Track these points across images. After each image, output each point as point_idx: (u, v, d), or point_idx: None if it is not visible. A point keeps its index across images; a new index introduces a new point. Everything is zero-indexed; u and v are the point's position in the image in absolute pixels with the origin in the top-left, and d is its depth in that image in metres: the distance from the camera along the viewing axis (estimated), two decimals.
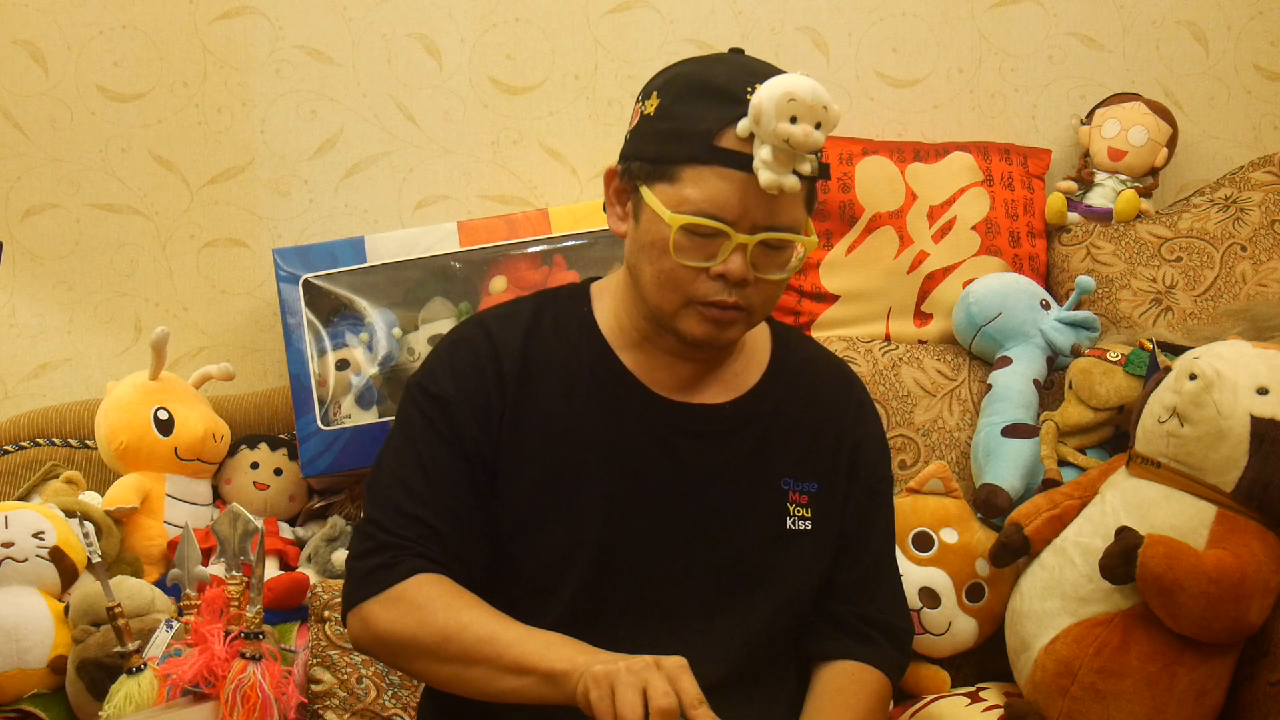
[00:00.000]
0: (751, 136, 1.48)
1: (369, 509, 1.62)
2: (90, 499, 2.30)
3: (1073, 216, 2.66)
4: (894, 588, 1.76)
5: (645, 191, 1.54)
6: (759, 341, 1.71)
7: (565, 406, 1.61)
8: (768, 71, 1.51)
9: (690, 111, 1.51)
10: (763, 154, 1.47)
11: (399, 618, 1.53)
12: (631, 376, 1.63)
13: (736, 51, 1.60)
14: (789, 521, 1.63)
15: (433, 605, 1.51)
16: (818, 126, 1.47)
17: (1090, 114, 2.71)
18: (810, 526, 1.64)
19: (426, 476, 1.59)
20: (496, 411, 1.60)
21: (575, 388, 1.62)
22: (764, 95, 1.46)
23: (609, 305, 1.66)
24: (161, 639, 2.00)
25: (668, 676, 1.35)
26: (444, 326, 2.43)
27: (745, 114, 1.48)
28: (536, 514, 1.60)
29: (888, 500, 1.76)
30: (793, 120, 1.46)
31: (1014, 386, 2.38)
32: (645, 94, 1.57)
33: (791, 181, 1.48)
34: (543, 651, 1.44)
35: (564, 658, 1.42)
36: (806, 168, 1.49)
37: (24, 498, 2.33)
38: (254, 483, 2.46)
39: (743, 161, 1.48)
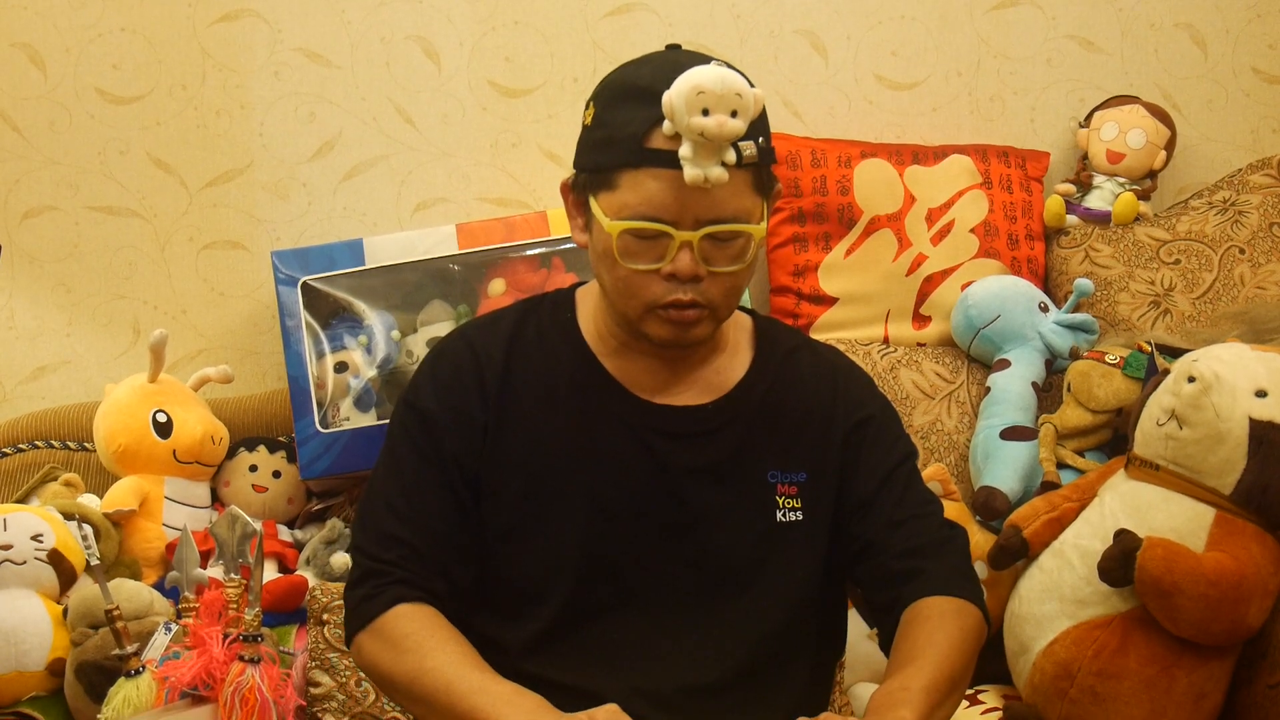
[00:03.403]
0: (678, 134, 1.48)
1: (355, 534, 1.65)
2: (89, 501, 2.30)
3: (1071, 219, 2.66)
4: (926, 511, 1.66)
5: (592, 201, 1.55)
6: (742, 339, 1.70)
7: (546, 413, 1.62)
8: (693, 65, 1.49)
9: (619, 117, 1.52)
10: (683, 150, 1.47)
11: (379, 653, 1.56)
12: (612, 380, 1.63)
13: (673, 47, 1.59)
14: (779, 514, 1.62)
15: (405, 644, 1.53)
16: (734, 115, 1.46)
17: (1089, 117, 2.71)
18: (801, 517, 1.63)
19: (407, 495, 1.61)
20: (479, 422, 1.61)
21: (556, 394, 1.62)
22: (674, 92, 1.46)
23: (591, 310, 1.66)
24: (160, 641, 2.00)
25: None
26: (443, 329, 2.42)
27: None
28: (521, 522, 1.60)
29: (912, 457, 1.70)
30: (705, 113, 1.45)
31: (1012, 389, 2.38)
32: (586, 104, 1.58)
33: (717, 173, 1.47)
34: (490, 707, 1.44)
35: (505, 717, 1.42)
36: (731, 156, 1.48)
37: (22, 500, 2.32)
38: (252, 485, 2.45)
39: (673, 160, 1.48)
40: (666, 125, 1.48)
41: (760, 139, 1.51)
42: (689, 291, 1.53)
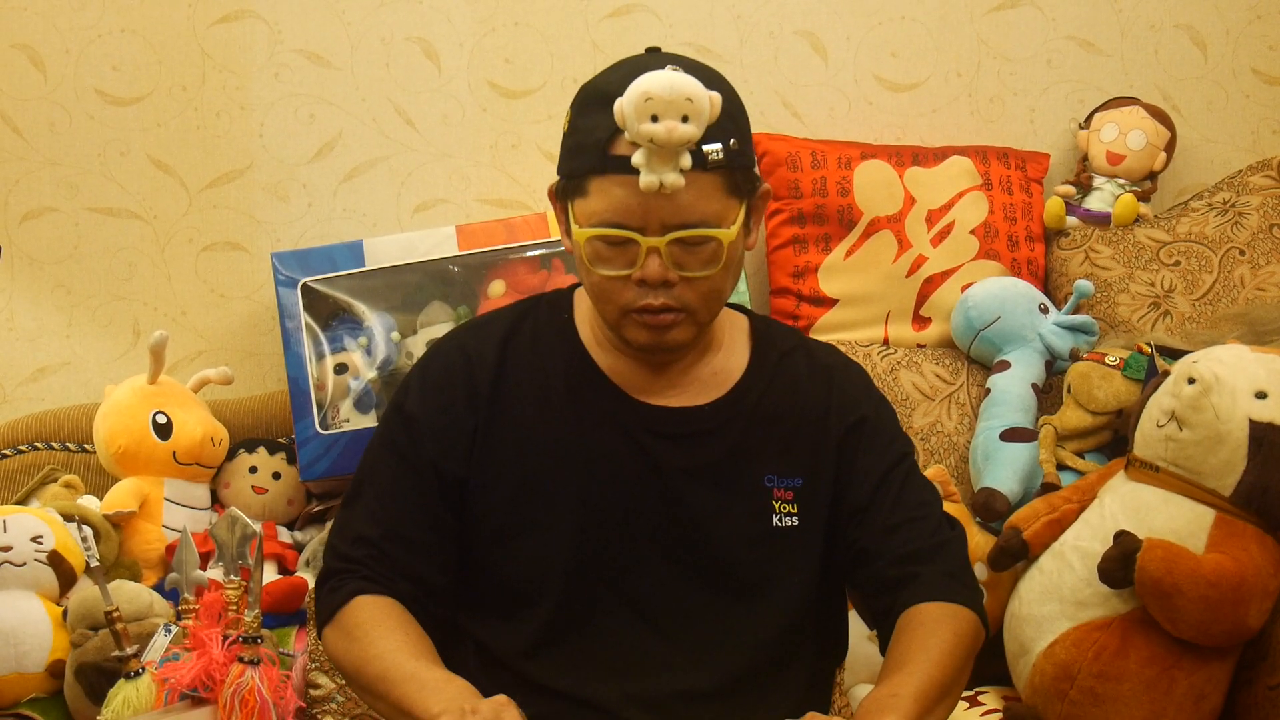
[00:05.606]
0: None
1: (330, 532, 1.67)
2: (88, 503, 2.30)
3: (1071, 220, 2.66)
4: (922, 514, 1.64)
5: (569, 208, 1.55)
6: (738, 339, 1.69)
7: (540, 414, 1.61)
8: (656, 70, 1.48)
9: (588, 123, 1.52)
10: (636, 157, 1.46)
11: (337, 643, 1.58)
12: (607, 381, 1.63)
13: (652, 50, 1.59)
14: (775, 519, 1.62)
15: (355, 633, 1.55)
16: (685, 120, 1.45)
17: (1089, 118, 2.71)
18: (797, 522, 1.62)
19: (382, 496, 1.62)
20: (468, 425, 1.61)
21: (551, 394, 1.62)
22: (624, 99, 1.45)
23: (588, 310, 1.66)
24: (160, 643, 2.00)
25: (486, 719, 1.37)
26: (443, 330, 2.42)
27: None
28: (512, 523, 1.60)
29: (908, 456, 1.69)
30: (654, 119, 1.44)
31: (1012, 390, 2.38)
32: (567, 110, 1.58)
33: (673, 179, 1.46)
34: (416, 694, 1.45)
35: (425, 706, 1.43)
36: (687, 161, 1.47)
37: (22, 502, 2.32)
38: (252, 487, 2.45)
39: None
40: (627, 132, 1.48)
41: (731, 141, 1.50)
42: (660, 296, 1.53)
